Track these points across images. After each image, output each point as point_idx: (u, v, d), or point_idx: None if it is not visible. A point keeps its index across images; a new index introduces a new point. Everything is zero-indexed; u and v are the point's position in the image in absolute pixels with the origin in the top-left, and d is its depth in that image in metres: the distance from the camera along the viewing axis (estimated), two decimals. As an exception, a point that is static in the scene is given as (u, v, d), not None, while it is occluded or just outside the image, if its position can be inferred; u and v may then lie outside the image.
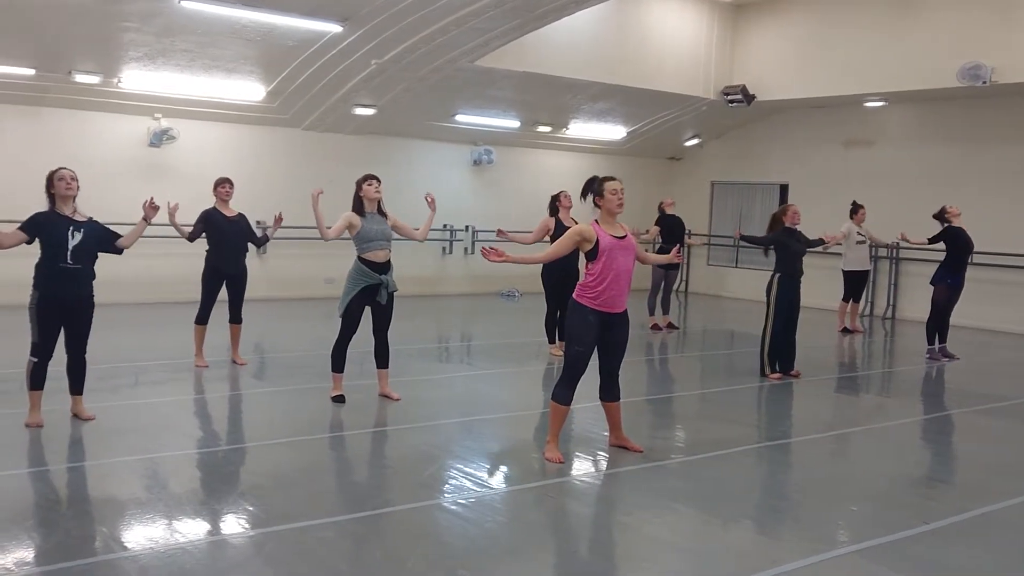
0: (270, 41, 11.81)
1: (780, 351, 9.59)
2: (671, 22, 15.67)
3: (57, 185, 6.44)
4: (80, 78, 11.86)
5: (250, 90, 13.16)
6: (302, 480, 5.83)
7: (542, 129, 16.60)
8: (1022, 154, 14.39)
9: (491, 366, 10.20)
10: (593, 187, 6.31)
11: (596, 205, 6.25)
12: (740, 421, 8.12)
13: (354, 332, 7.68)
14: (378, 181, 7.64)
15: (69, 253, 6.36)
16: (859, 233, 13.42)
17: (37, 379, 6.54)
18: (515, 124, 16.24)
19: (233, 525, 4.90)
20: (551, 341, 10.48)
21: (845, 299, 13.62)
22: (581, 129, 17.06)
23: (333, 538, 4.79)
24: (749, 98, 15.97)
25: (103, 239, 6.66)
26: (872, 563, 4.71)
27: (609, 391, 6.48)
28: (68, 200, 6.48)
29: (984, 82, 12.91)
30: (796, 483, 6.16)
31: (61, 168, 6.55)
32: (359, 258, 7.54)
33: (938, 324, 11.47)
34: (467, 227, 16.65)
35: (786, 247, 9.43)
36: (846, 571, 4.62)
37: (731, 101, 16.18)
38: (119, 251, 6.81)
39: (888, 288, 15.92)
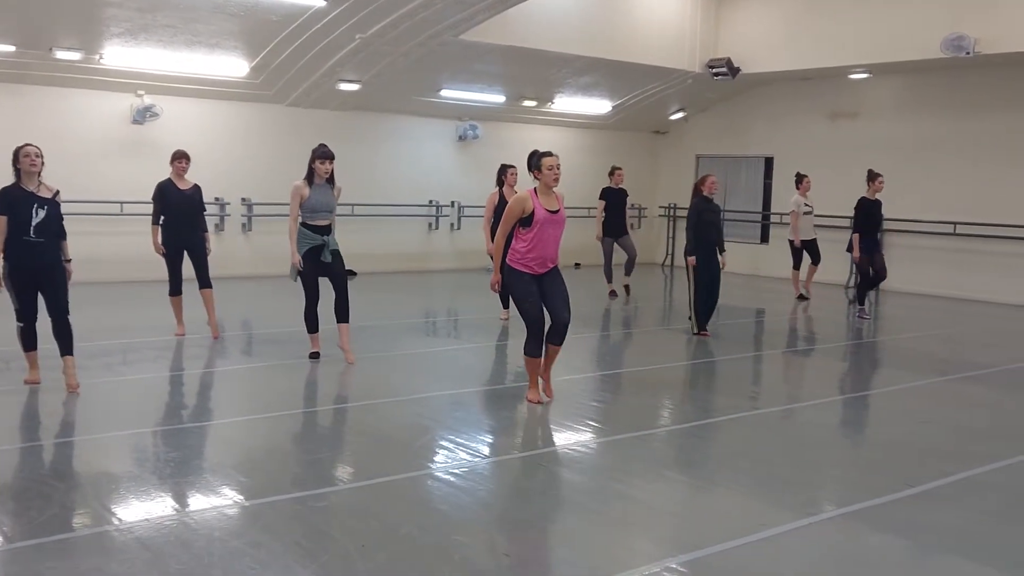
0: (253, 16, 11.71)
1: (706, 312, 10.30)
2: (656, -5, 15.64)
3: (22, 161, 6.70)
4: (61, 55, 11.74)
5: (233, 66, 13.07)
6: (296, 451, 5.88)
7: (527, 104, 16.56)
8: (1006, 124, 14.48)
9: (480, 339, 10.24)
10: (533, 160, 6.93)
11: (535, 177, 6.87)
12: (727, 391, 8.21)
13: (317, 295, 8.19)
14: (330, 161, 8.06)
15: (32, 228, 6.65)
16: (806, 204, 13.77)
17: (28, 340, 6.90)
18: (500, 99, 16.20)
19: (228, 496, 4.93)
20: (505, 307, 10.96)
21: (796, 267, 14.01)
22: (566, 103, 17.04)
23: (328, 507, 4.85)
24: (734, 71, 15.98)
25: (58, 221, 6.88)
26: (858, 525, 4.80)
27: (555, 336, 6.92)
28: (32, 176, 6.73)
29: (968, 53, 12.96)
30: (782, 450, 6.25)
31: (27, 144, 6.78)
32: (303, 223, 8.03)
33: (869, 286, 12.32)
34: (453, 203, 16.65)
35: (700, 215, 10.06)
36: (833, 533, 4.71)
37: (716, 74, 16.19)
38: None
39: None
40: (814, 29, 15.08)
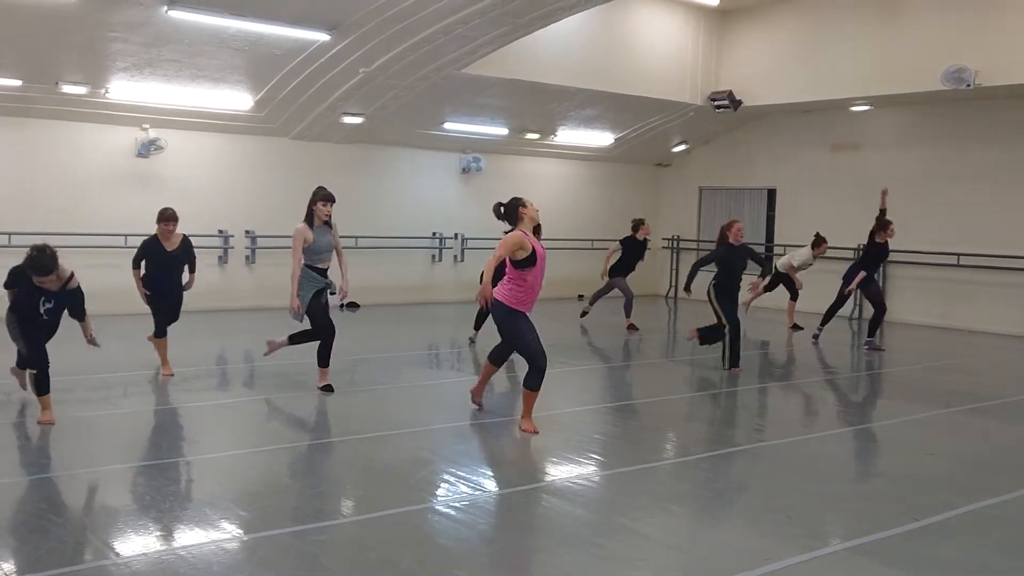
0: (257, 50, 11.81)
1: (737, 345, 10.18)
2: (657, 28, 15.77)
3: (36, 280, 6.71)
4: (67, 89, 11.83)
5: (238, 100, 13.16)
6: (295, 485, 5.84)
7: (530, 136, 16.64)
8: (1007, 155, 14.51)
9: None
10: (510, 210, 7.04)
11: (519, 218, 6.90)
12: (731, 423, 8.16)
13: (332, 329, 8.35)
14: (332, 203, 8.25)
15: (42, 314, 6.88)
16: (810, 261, 13.15)
17: (42, 386, 6.89)
18: (503, 131, 16.28)
19: (226, 530, 4.88)
20: (476, 328, 11.37)
21: (793, 299, 13.52)
22: (569, 136, 17.12)
23: (327, 541, 4.80)
24: (736, 103, 16.06)
25: (70, 307, 7.06)
26: (863, 559, 4.74)
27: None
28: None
29: (968, 85, 13.01)
30: (787, 483, 6.18)
31: (38, 272, 6.63)
32: (307, 265, 8.24)
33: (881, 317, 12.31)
34: (456, 235, 16.67)
35: (725, 262, 10.12)
36: (839, 568, 4.65)
37: (718, 106, 16.27)
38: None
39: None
40: (815, 62, 15.16)
